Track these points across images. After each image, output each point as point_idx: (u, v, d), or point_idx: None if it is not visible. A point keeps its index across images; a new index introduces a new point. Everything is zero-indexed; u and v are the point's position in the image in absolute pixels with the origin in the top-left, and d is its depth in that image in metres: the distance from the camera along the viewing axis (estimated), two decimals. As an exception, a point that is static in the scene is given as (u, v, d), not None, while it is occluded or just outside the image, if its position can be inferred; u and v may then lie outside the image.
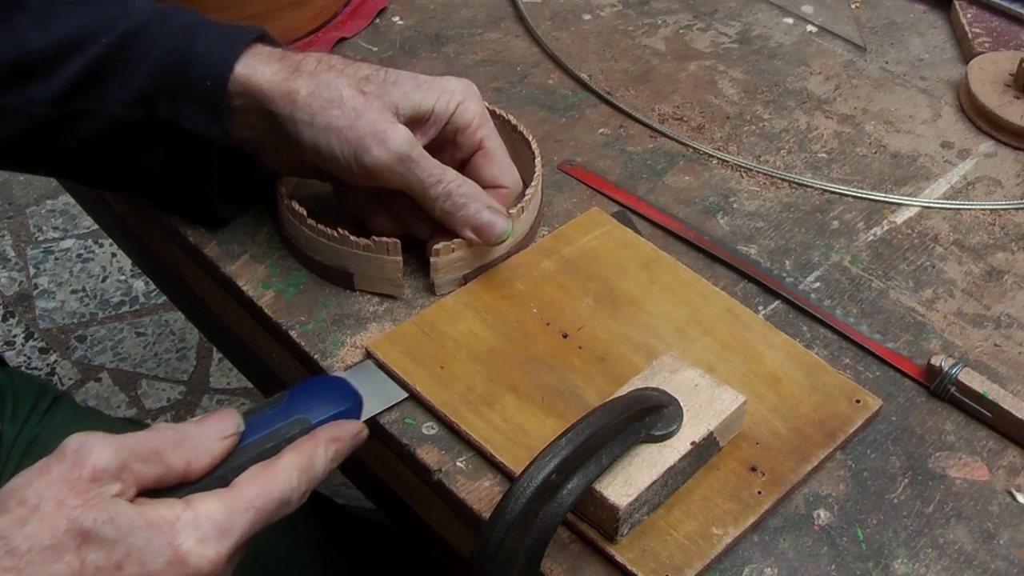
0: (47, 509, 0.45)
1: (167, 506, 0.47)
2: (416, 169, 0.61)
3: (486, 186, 0.65)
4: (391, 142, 0.60)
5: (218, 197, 0.66)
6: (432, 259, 0.63)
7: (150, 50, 0.61)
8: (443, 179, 0.61)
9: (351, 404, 0.57)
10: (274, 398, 0.55)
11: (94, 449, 0.46)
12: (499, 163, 0.65)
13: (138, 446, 0.48)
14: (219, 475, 0.50)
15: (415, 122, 0.62)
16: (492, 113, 0.70)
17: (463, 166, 0.65)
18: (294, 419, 0.53)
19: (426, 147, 0.62)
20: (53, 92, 0.61)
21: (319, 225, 0.63)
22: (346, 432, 0.54)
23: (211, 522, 0.47)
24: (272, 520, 0.49)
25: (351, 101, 0.60)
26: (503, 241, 0.63)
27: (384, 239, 0.62)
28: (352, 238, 0.62)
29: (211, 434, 0.50)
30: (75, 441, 0.47)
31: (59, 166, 0.68)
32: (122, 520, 0.45)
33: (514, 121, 0.70)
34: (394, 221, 0.66)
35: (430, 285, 0.65)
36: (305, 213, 0.64)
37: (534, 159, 0.68)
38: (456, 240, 0.63)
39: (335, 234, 0.63)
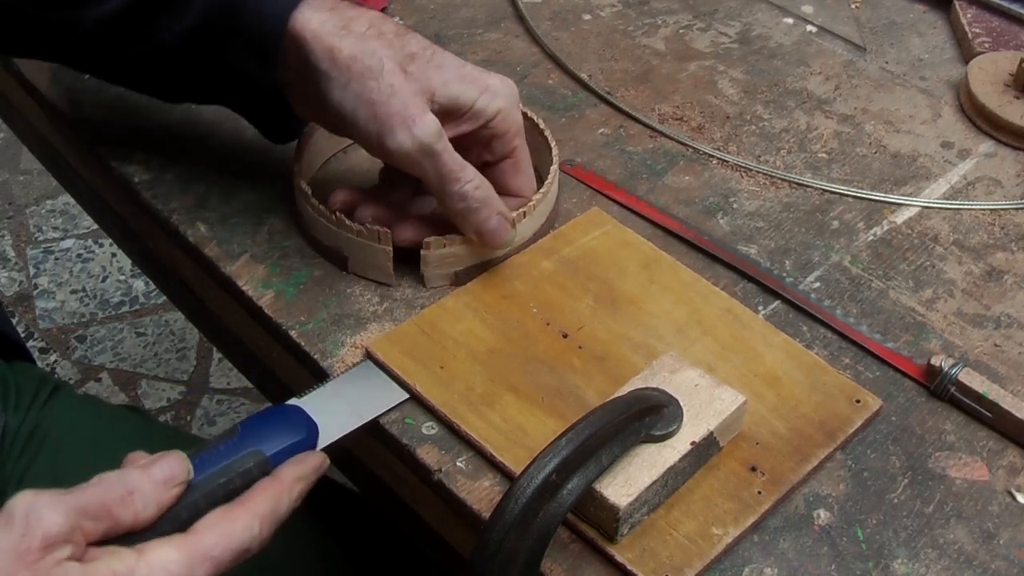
0: None
1: (119, 559, 0.45)
2: (437, 162, 0.59)
3: (509, 194, 0.64)
4: (418, 130, 0.58)
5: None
6: (423, 252, 0.63)
7: None
8: (461, 178, 0.60)
9: (305, 434, 0.55)
10: (227, 431, 0.53)
11: (44, 514, 0.44)
12: (524, 173, 0.65)
13: (88, 505, 0.46)
14: (172, 515, 0.48)
15: (449, 113, 0.61)
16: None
17: (487, 168, 0.64)
18: (247, 452, 0.51)
19: (456, 142, 0.61)
20: (102, 15, 0.61)
21: (320, 205, 0.64)
22: (309, 468, 0.52)
23: (167, 572, 0.45)
24: (231, 568, 0.48)
25: (389, 76, 0.58)
26: (505, 248, 0.63)
27: (376, 227, 0.62)
28: (347, 222, 0.63)
29: (159, 483, 0.48)
30: (23, 504, 0.45)
31: (110, 75, 0.69)
32: None
33: (542, 125, 0.70)
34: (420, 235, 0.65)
35: (421, 278, 0.65)
36: (309, 192, 0.64)
37: (551, 164, 0.68)
38: (448, 236, 0.63)
39: (332, 216, 0.63)
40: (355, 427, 0.57)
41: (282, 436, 0.53)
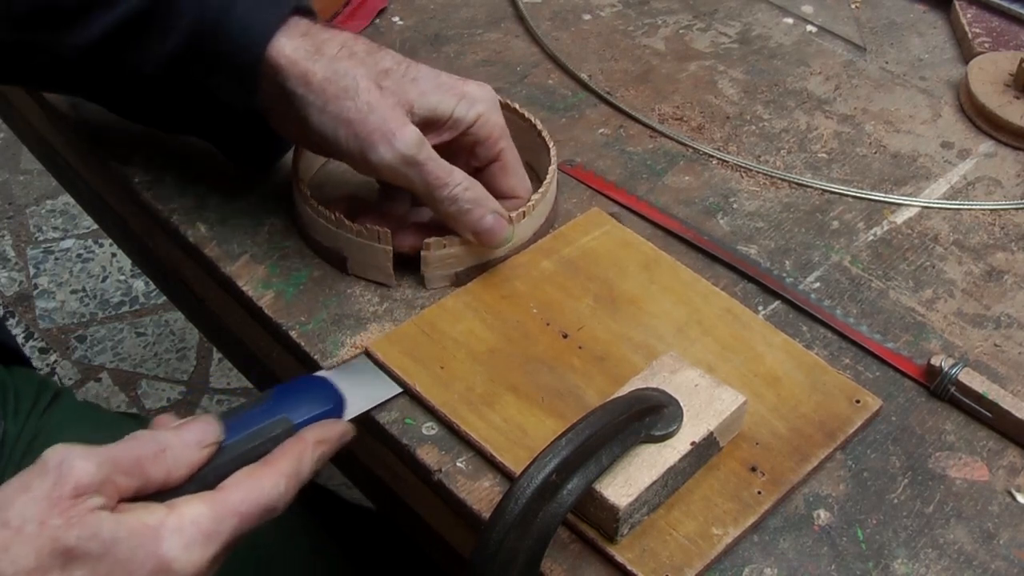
0: (30, 531, 0.44)
1: (149, 512, 0.46)
2: (422, 172, 0.60)
3: (502, 196, 0.64)
4: (399, 143, 0.59)
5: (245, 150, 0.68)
6: (423, 252, 0.63)
7: (186, 13, 0.61)
8: (449, 183, 0.61)
9: (333, 404, 0.56)
10: (257, 398, 0.54)
11: (76, 464, 0.45)
12: (514, 173, 0.65)
13: (120, 458, 0.47)
14: (200, 477, 0.49)
15: (430, 123, 0.62)
16: (515, 111, 0.70)
17: (476, 172, 0.64)
18: (276, 419, 0.53)
19: (441, 150, 0.62)
20: (84, 40, 0.61)
21: (319, 206, 0.64)
22: (333, 433, 0.53)
23: (196, 526, 0.46)
24: (257, 525, 0.49)
25: (365, 95, 0.59)
26: (504, 245, 0.63)
27: (376, 227, 0.63)
28: (347, 222, 0.63)
29: (191, 444, 0.49)
30: (56, 455, 0.46)
31: (93, 98, 0.69)
32: (105, 534, 0.45)
33: (539, 126, 0.70)
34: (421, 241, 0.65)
35: (421, 279, 0.65)
36: (308, 193, 0.64)
37: (549, 165, 0.68)
38: (448, 237, 0.63)
39: (332, 216, 0.63)
40: (385, 398, 0.59)
41: (310, 405, 0.55)
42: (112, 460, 0.47)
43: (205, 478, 0.49)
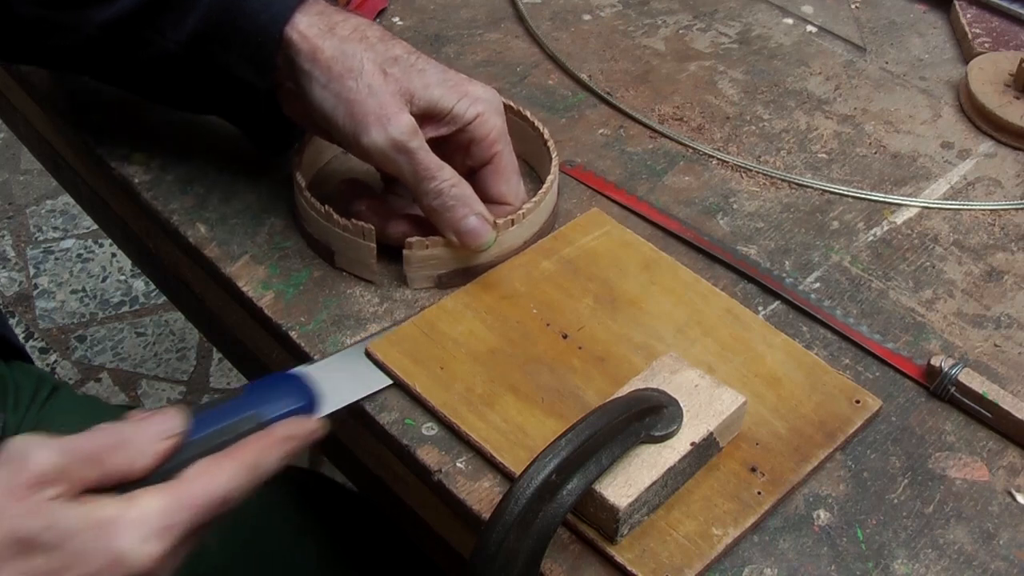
0: None
1: (108, 504, 0.46)
2: (412, 160, 0.61)
3: (492, 201, 0.64)
4: (392, 128, 0.60)
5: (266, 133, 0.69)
6: (404, 252, 0.64)
7: None
8: (437, 176, 0.61)
9: (305, 402, 0.55)
10: (228, 393, 0.54)
11: (34, 453, 0.45)
12: (508, 180, 0.65)
13: (79, 448, 0.47)
14: (164, 470, 0.48)
15: (428, 116, 0.62)
16: (517, 113, 0.70)
17: (471, 174, 0.65)
18: (245, 416, 0.52)
19: (438, 148, 0.62)
20: (109, 18, 0.63)
21: (311, 198, 0.64)
22: (301, 430, 0.52)
23: (152, 520, 0.46)
24: (215, 516, 0.48)
25: (368, 77, 0.60)
26: (484, 250, 0.63)
27: (361, 224, 0.63)
28: (334, 216, 0.63)
29: (153, 435, 0.48)
30: (16, 445, 0.46)
31: (110, 79, 0.70)
32: (63, 525, 0.45)
33: (542, 129, 0.70)
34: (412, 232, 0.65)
35: (403, 277, 0.65)
36: (304, 184, 0.65)
37: (550, 169, 0.68)
38: (431, 238, 0.63)
39: (321, 210, 0.64)
40: (359, 397, 0.58)
41: (282, 402, 0.54)
42: (72, 450, 0.46)
43: (168, 472, 0.48)
